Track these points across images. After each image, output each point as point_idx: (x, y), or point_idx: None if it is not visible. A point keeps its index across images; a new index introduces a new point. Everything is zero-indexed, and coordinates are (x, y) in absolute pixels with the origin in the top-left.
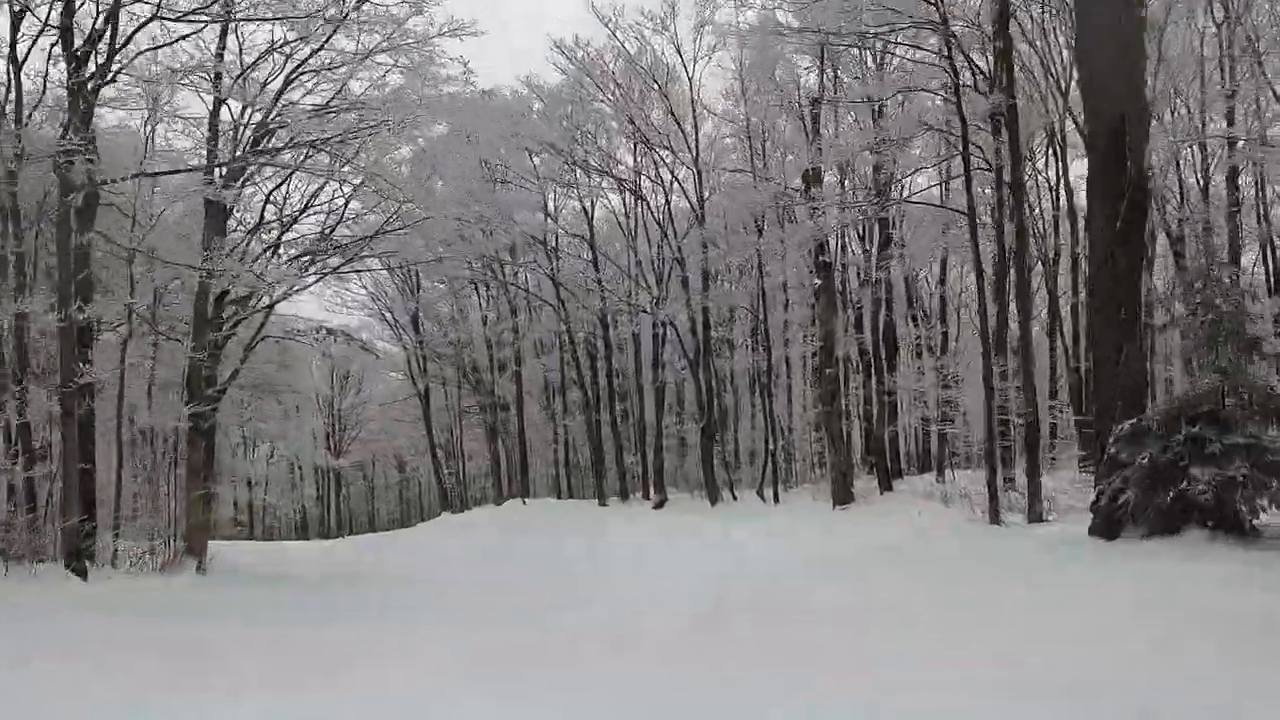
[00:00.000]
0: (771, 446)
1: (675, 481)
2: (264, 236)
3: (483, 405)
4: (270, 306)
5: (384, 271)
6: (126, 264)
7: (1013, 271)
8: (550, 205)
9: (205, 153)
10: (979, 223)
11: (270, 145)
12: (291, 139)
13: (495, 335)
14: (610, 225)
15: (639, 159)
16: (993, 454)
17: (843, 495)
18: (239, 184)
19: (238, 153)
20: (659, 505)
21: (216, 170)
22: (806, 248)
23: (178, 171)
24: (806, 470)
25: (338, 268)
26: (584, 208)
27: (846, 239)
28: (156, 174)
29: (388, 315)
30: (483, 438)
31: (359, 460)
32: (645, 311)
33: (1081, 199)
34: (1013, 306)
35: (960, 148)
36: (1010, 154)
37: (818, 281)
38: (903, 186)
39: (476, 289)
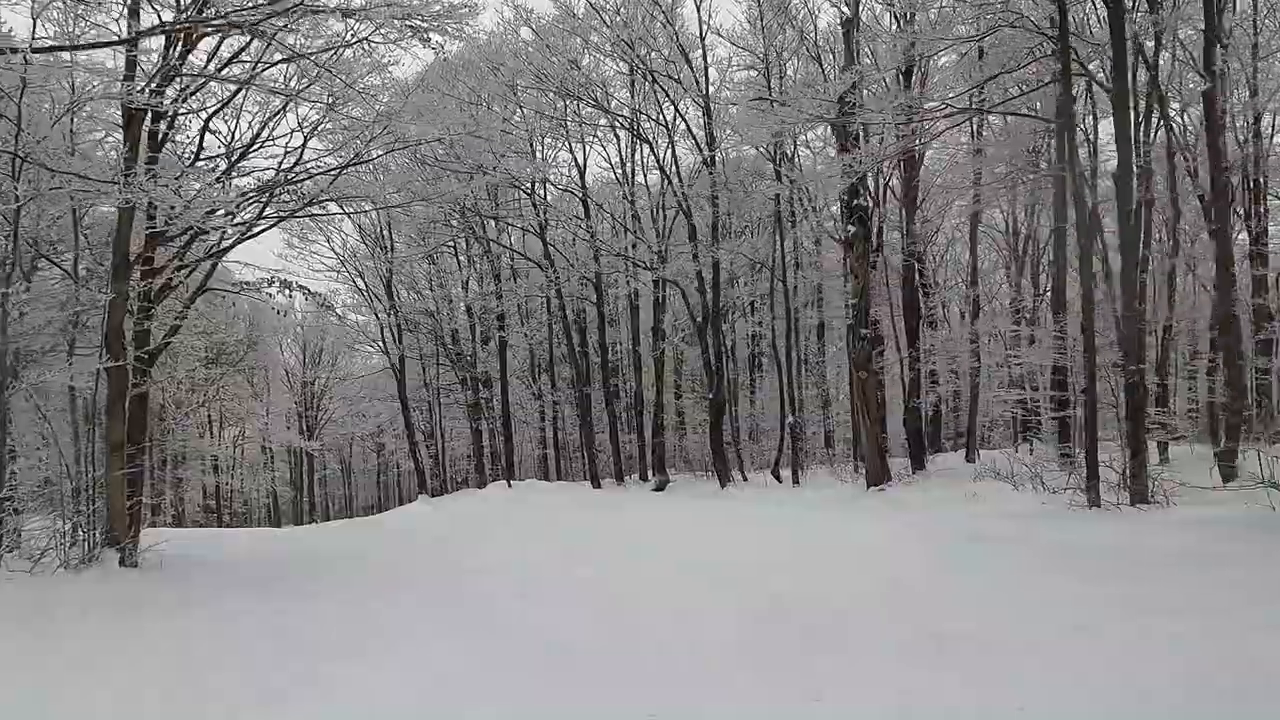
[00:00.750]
0: (790, 420)
1: (674, 462)
2: (205, 176)
3: (463, 379)
4: (220, 253)
5: (353, 233)
6: (11, 178)
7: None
8: (538, 156)
9: (123, 49)
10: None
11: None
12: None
13: (479, 301)
14: (606, 185)
15: (638, 96)
16: (1093, 421)
17: (878, 474)
18: (169, 94)
19: (170, 59)
20: (660, 487)
21: (139, 71)
22: (843, 185)
23: (78, 48)
24: (816, 448)
25: (295, 211)
26: (575, 160)
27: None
28: (48, 49)
29: (359, 282)
30: (463, 416)
31: (334, 443)
32: (645, 268)
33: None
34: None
35: (1058, 42)
36: (1114, 50)
37: (850, 229)
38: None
39: (456, 251)
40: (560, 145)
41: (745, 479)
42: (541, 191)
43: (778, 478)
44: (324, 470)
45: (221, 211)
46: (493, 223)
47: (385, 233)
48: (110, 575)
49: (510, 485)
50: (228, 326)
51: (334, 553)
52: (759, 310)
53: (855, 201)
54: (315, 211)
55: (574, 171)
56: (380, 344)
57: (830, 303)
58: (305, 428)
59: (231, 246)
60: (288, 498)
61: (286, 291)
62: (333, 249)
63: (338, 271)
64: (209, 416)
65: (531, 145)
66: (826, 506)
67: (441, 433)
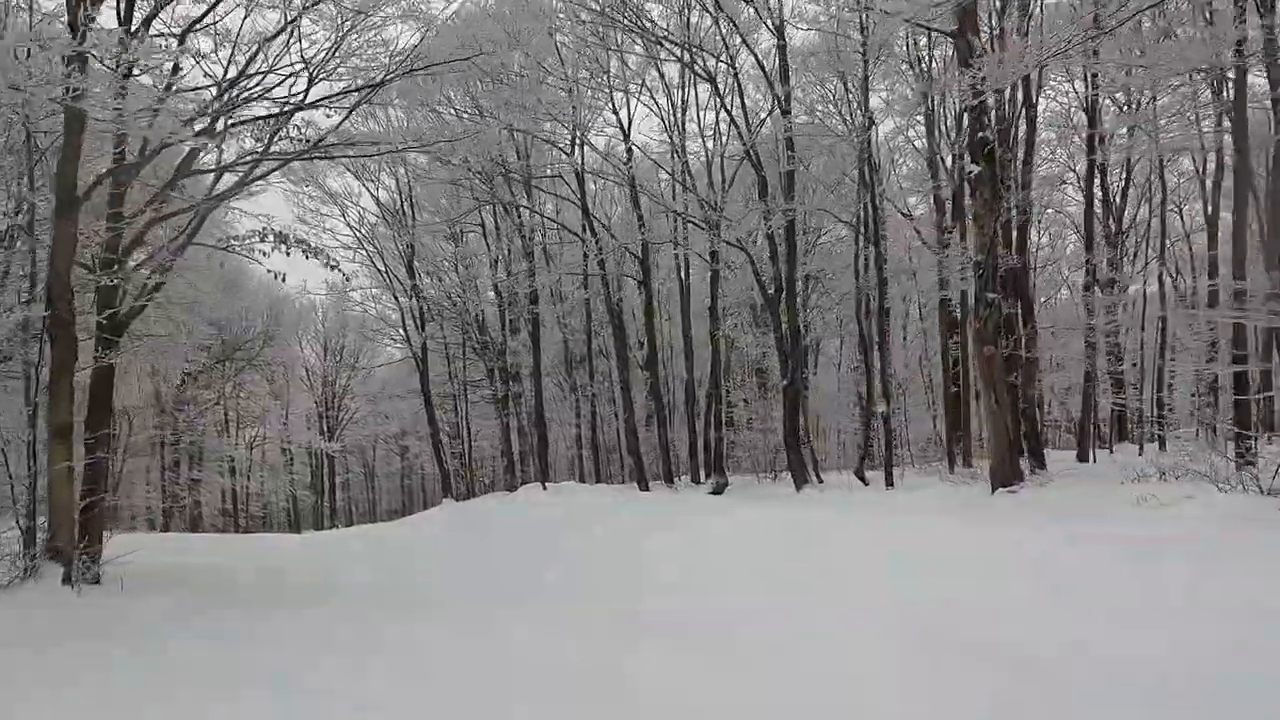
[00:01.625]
0: (883, 411)
1: (726, 462)
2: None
3: (490, 371)
4: (213, 200)
5: (371, 207)
6: None
7: None
8: (578, 111)
9: None
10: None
11: None
12: None
13: (508, 283)
14: (651, 153)
15: (693, 32)
16: None
17: (1008, 473)
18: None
19: None
20: (718, 490)
21: None
22: (965, 103)
23: None
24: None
25: (304, 152)
26: (619, 118)
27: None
28: None
29: (378, 263)
30: (491, 415)
31: (356, 445)
32: (706, 228)
33: None
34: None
35: None
36: None
37: (974, 168)
38: None
39: (484, 231)
40: (603, 103)
41: (820, 480)
42: (580, 155)
43: (862, 479)
44: (346, 474)
45: (201, 120)
46: (525, 194)
47: (406, 206)
48: (43, 599)
49: (545, 487)
50: (242, 317)
51: (349, 563)
52: (814, 295)
53: (980, 134)
54: (320, 155)
55: (618, 133)
56: (401, 331)
57: (890, 283)
58: (326, 428)
59: (225, 196)
60: (308, 502)
61: (284, 248)
62: (347, 223)
63: (354, 250)
64: (225, 415)
65: (572, 92)
66: (955, 513)
67: (468, 430)
